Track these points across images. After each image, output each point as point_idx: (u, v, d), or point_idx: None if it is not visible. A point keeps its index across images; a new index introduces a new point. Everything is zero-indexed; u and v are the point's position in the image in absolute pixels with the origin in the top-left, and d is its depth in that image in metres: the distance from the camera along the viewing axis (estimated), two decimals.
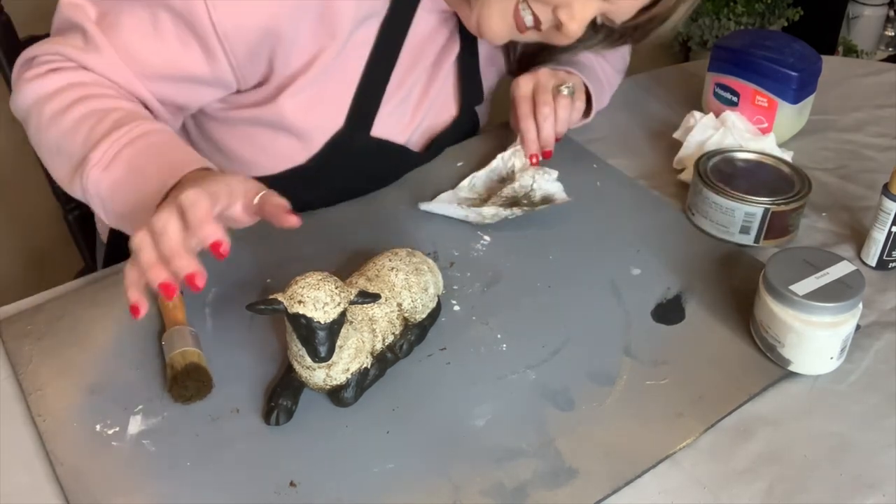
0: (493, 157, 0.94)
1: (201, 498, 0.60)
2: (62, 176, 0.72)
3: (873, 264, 0.82)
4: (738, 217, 0.83)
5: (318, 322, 0.60)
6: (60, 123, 0.71)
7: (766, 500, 0.60)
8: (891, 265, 0.82)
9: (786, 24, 2.17)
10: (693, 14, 2.26)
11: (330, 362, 0.63)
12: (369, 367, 0.67)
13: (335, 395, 0.66)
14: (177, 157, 0.68)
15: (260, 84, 0.80)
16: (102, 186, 0.68)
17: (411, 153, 0.94)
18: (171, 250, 0.57)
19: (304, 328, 0.60)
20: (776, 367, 0.70)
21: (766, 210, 0.82)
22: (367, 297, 0.64)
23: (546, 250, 0.84)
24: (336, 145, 0.85)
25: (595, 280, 0.80)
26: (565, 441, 0.64)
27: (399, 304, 0.70)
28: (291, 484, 0.61)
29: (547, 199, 0.87)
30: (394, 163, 0.93)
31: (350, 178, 0.89)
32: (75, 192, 0.71)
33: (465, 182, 0.91)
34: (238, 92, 0.80)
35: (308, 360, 0.62)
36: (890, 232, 0.79)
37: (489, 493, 0.60)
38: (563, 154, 0.97)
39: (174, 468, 0.62)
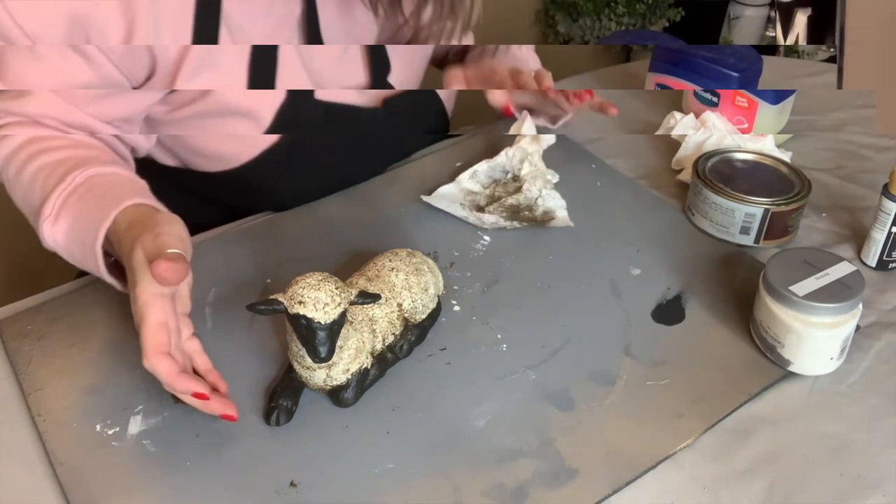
0: (489, 155, 0.94)
1: (201, 498, 0.60)
2: (37, 232, 0.73)
3: (873, 265, 0.82)
4: (738, 217, 0.83)
5: (319, 322, 0.60)
6: (21, 182, 0.73)
7: (766, 501, 0.60)
8: (891, 265, 0.82)
9: (667, 24, 2.15)
10: (574, 14, 2.23)
11: (330, 363, 0.63)
12: (369, 367, 0.67)
13: (335, 395, 0.66)
14: (108, 198, 0.69)
15: (153, 74, 0.77)
16: (59, 239, 0.71)
17: (365, 111, 0.90)
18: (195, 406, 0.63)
19: (305, 329, 0.60)
20: (776, 368, 0.70)
21: (766, 210, 0.82)
22: (368, 298, 0.64)
23: (546, 250, 0.84)
24: (285, 115, 0.83)
25: (595, 280, 0.80)
26: (565, 441, 0.64)
27: (399, 305, 0.70)
28: (291, 484, 0.61)
29: (548, 215, 0.87)
30: (354, 125, 0.90)
31: (321, 153, 0.88)
32: (47, 247, 0.73)
33: (466, 174, 0.91)
34: (172, 92, 0.79)
35: (308, 360, 0.62)
36: (890, 232, 0.79)
37: (489, 494, 0.60)
38: (563, 154, 0.98)
39: (174, 468, 0.62)
